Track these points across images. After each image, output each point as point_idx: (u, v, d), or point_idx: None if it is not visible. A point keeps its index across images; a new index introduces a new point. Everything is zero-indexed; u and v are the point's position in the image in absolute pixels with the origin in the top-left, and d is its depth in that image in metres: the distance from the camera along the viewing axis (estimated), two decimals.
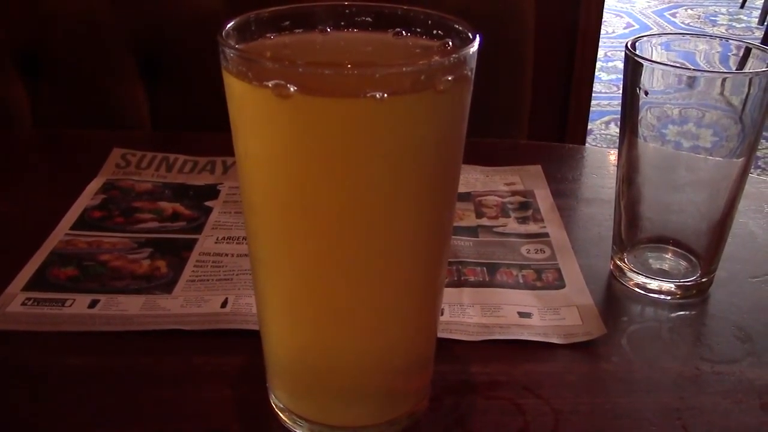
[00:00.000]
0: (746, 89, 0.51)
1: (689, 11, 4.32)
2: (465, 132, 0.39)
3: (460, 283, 0.56)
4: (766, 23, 3.68)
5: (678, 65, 0.55)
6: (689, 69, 0.54)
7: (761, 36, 3.62)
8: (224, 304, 0.53)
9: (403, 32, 0.41)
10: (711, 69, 0.55)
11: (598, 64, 3.22)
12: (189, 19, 0.99)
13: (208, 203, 0.67)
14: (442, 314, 0.53)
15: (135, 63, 1.00)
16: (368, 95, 0.34)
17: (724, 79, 0.51)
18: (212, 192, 0.68)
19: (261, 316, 0.42)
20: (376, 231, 0.37)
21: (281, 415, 0.43)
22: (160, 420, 0.44)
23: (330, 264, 0.37)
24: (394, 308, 0.40)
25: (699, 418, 0.45)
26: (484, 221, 0.65)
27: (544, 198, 0.69)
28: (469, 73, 0.37)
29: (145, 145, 0.76)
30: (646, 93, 0.52)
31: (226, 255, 0.59)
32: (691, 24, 4.10)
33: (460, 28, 0.39)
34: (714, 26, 4.07)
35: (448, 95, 0.36)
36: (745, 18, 4.21)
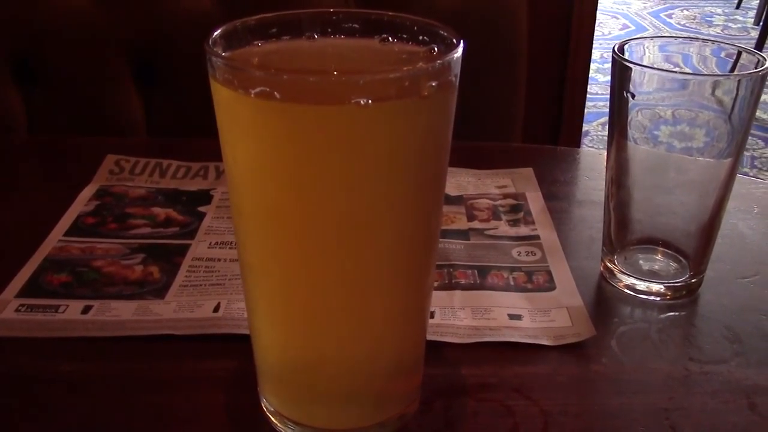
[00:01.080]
0: (735, 91, 0.51)
1: (685, 12, 4.33)
2: (450, 137, 0.39)
3: (451, 286, 0.57)
4: (761, 24, 3.68)
5: (665, 68, 0.55)
6: (677, 72, 0.54)
7: (756, 37, 3.63)
8: (216, 309, 0.53)
9: (390, 38, 0.42)
10: (699, 72, 0.56)
11: (595, 66, 3.23)
12: (183, 26, 1.00)
13: (201, 208, 0.67)
14: (432, 317, 0.53)
15: (129, 70, 1.01)
16: (353, 102, 0.34)
17: (712, 82, 0.52)
18: (205, 197, 0.69)
19: (251, 320, 0.43)
20: (363, 236, 0.37)
21: (272, 418, 0.44)
22: (151, 425, 0.45)
23: (317, 268, 0.38)
24: (382, 312, 0.40)
25: (687, 418, 0.45)
26: (476, 224, 0.65)
27: (535, 200, 0.69)
28: (454, 79, 0.37)
29: (139, 152, 0.76)
30: (633, 96, 0.53)
31: (219, 260, 0.59)
32: (686, 25, 4.11)
33: (445, 34, 0.40)
34: (710, 27, 4.08)
35: (432, 101, 0.37)
36: (741, 18, 4.22)
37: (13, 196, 0.71)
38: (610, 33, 3.93)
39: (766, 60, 0.51)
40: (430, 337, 0.50)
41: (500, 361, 0.49)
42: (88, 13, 0.98)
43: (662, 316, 0.55)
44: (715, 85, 0.52)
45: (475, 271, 0.58)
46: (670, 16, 4.26)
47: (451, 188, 0.71)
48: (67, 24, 0.99)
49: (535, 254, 0.61)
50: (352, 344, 0.40)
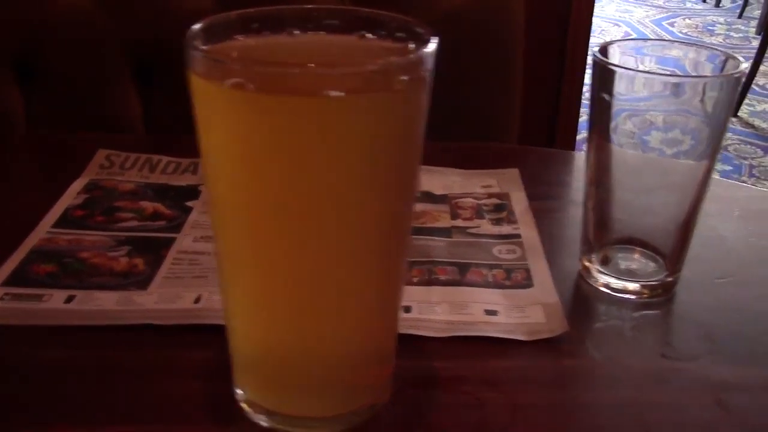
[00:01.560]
0: (712, 93, 0.52)
1: (687, 21, 4.34)
2: (423, 132, 0.40)
3: (430, 282, 0.57)
4: (762, 33, 3.69)
5: (644, 71, 0.56)
6: (655, 74, 0.55)
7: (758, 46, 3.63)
8: (197, 300, 0.54)
9: (368, 35, 0.43)
10: (676, 73, 0.56)
11: None
12: (183, 26, 1.00)
13: (188, 203, 0.68)
14: (409, 311, 0.54)
15: (129, 70, 1.02)
16: (324, 94, 0.35)
17: (688, 84, 0.53)
18: (193, 192, 0.70)
19: (225, 310, 0.43)
20: (334, 227, 0.38)
21: (245, 406, 0.44)
22: (128, 412, 0.45)
23: (287, 258, 0.39)
24: (353, 302, 0.41)
25: (654, 412, 0.46)
26: (459, 222, 0.66)
27: (519, 200, 0.70)
28: (426, 74, 0.38)
29: (132, 148, 0.77)
30: (611, 96, 0.53)
31: (203, 253, 0.60)
32: (688, 33, 4.12)
33: (420, 30, 0.40)
34: (711, 36, 4.09)
35: (404, 95, 0.37)
36: (743, 28, 4.23)
37: (3, 190, 0.72)
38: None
39: (740, 62, 0.52)
40: (406, 330, 0.51)
41: (474, 355, 0.50)
42: (89, 12, 0.99)
43: (637, 314, 0.55)
44: (691, 87, 0.53)
45: (456, 268, 0.59)
46: (672, 25, 4.26)
47: (437, 187, 0.72)
48: (66, 24, 1.00)
49: (515, 252, 0.62)
50: (323, 334, 0.41)
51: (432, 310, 0.54)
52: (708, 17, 4.42)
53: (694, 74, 0.56)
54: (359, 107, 0.36)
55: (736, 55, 0.54)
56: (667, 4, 4.64)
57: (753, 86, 3.23)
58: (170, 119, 1.05)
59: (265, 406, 0.44)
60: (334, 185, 0.37)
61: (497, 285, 0.57)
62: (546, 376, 0.49)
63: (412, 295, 0.56)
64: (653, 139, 0.55)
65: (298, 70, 0.35)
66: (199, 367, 0.49)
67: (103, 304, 0.54)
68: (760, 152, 2.82)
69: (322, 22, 0.43)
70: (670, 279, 0.57)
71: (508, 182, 0.73)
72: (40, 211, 0.65)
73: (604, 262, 0.58)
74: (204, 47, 0.39)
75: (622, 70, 0.53)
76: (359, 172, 0.37)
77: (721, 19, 4.37)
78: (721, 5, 4.63)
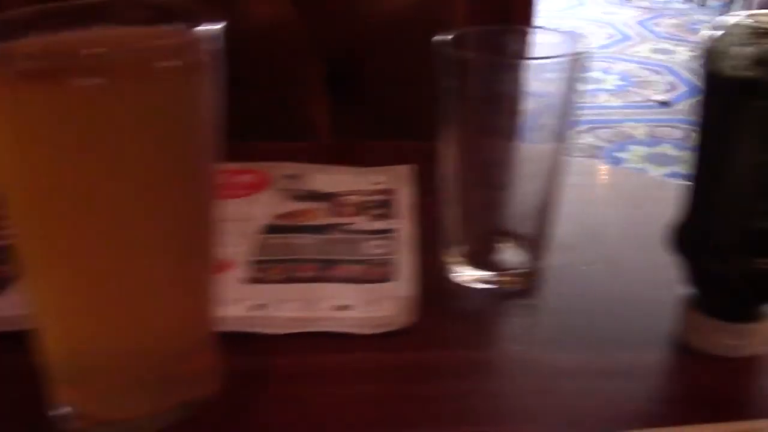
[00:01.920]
0: (557, 74, 0.51)
1: (672, 20, 4.33)
2: (211, 120, 0.39)
3: (287, 280, 0.56)
4: None
5: (485, 57, 0.55)
6: (503, 59, 0.54)
7: None
8: None
9: (176, 25, 0.42)
10: (524, 56, 0.56)
11: None
12: None
13: None
14: (261, 310, 0.53)
15: None
16: (82, 81, 0.34)
17: (534, 66, 0.52)
18: None
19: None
20: (112, 220, 0.37)
21: (58, 411, 0.43)
22: None
23: (71, 255, 0.38)
24: (147, 296, 0.40)
25: (483, 400, 0.45)
26: (337, 220, 0.65)
27: (405, 196, 0.69)
28: (205, 59, 0.38)
29: None
30: (459, 87, 0.53)
31: None
32: (673, 33, 4.11)
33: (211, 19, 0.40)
34: (696, 35, 4.08)
35: (175, 81, 0.37)
36: None
37: None
38: (596, 42, 3.94)
39: (585, 42, 0.51)
40: (247, 329, 0.50)
41: (314, 351, 0.49)
42: None
43: (495, 304, 0.54)
44: (537, 69, 0.52)
45: (319, 265, 0.58)
46: (657, 25, 4.26)
47: (325, 185, 0.71)
48: None
49: (384, 247, 0.61)
50: (119, 330, 0.40)
51: (281, 308, 0.53)
52: (694, 16, 4.41)
53: (537, 57, 0.55)
54: (123, 94, 0.35)
55: (583, 35, 0.53)
56: (653, 4, 4.64)
57: None
58: None
59: (77, 409, 0.43)
60: (103, 177, 0.36)
61: (357, 280, 0.56)
62: (382, 369, 0.48)
63: (267, 293, 0.55)
64: (505, 126, 0.54)
65: (61, 58, 0.35)
66: (23, 373, 0.48)
67: None
68: None
69: (125, 15, 0.43)
70: (534, 267, 0.56)
71: (399, 178, 0.72)
72: None
73: (468, 254, 0.57)
74: None
75: (463, 57, 0.52)
76: (130, 161, 0.36)
77: (706, 18, 4.36)
78: (706, 4, 4.62)
